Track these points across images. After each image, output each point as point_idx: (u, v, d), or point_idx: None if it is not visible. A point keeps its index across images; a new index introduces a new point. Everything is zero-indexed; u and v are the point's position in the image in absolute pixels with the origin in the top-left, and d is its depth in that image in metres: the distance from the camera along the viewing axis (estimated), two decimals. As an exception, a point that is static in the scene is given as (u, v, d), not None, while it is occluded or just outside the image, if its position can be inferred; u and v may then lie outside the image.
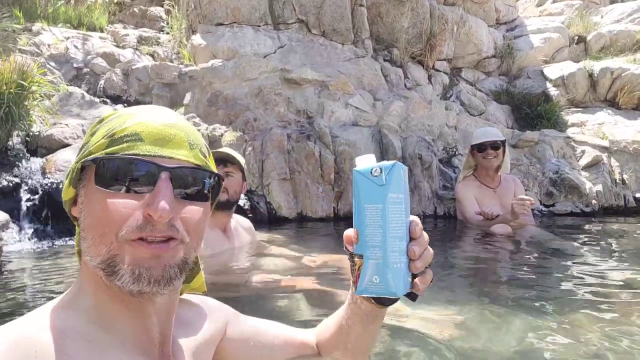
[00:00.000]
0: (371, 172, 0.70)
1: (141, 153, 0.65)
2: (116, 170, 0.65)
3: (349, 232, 0.75)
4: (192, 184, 0.69)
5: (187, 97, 4.74)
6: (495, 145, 3.71)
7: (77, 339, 0.64)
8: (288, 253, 2.86)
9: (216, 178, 0.73)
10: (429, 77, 5.93)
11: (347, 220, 4.13)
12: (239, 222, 2.76)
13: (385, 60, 5.68)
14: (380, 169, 0.70)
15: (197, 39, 5.26)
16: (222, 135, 4.26)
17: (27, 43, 5.61)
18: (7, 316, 1.76)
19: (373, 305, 0.79)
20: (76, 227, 0.73)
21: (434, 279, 0.77)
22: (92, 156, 0.66)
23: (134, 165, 0.65)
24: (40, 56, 5.32)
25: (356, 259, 0.70)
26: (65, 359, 0.61)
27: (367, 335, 0.89)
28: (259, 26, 5.39)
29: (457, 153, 4.79)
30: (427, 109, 5.01)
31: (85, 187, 0.68)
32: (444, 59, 6.11)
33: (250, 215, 3.93)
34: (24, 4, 6.67)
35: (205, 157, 0.73)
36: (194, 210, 0.69)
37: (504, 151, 3.77)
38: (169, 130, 0.68)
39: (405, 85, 5.59)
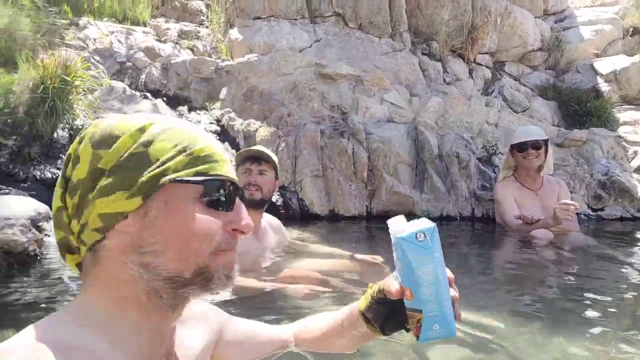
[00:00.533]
0: (416, 238, 0.77)
1: (224, 174, 0.72)
2: (213, 190, 0.70)
3: (396, 287, 0.81)
4: None
5: (223, 92, 4.77)
6: (537, 145, 3.54)
7: (87, 357, 0.64)
8: (319, 252, 2.84)
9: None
10: (470, 72, 5.72)
11: (380, 219, 4.05)
12: (269, 222, 2.75)
13: (423, 54, 5.52)
14: (424, 234, 0.77)
15: (234, 33, 5.28)
16: (256, 130, 4.27)
17: (74, 37, 5.80)
18: (46, 308, 1.82)
19: (377, 332, 0.89)
20: (85, 241, 0.69)
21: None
22: (195, 176, 0.69)
23: (226, 186, 0.72)
24: (86, 50, 5.50)
25: (414, 313, 0.78)
26: None
27: (355, 347, 0.99)
28: (295, 20, 5.35)
29: (497, 152, 4.61)
30: (466, 105, 4.83)
31: (167, 202, 0.68)
32: (486, 53, 5.88)
33: (283, 211, 3.93)
34: None
35: None
36: None
37: (546, 151, 3.59)
38: (224, 153, 0.75)
39: (444, 80, 5.41)
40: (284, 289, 2.14)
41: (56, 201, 0.72)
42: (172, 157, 0.68)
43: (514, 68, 6.13)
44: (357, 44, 5.25)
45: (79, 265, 0.74)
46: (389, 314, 0.85)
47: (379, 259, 2.52)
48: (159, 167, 0.67)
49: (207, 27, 6.73)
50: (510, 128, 4.79)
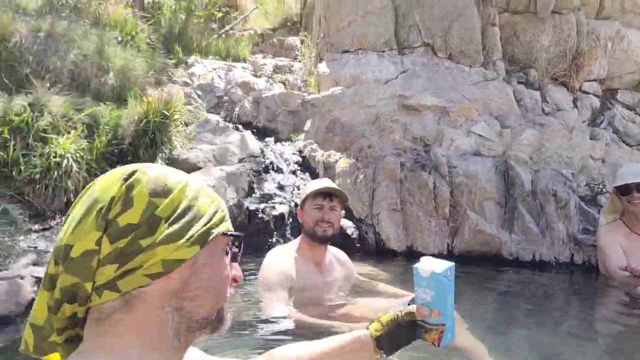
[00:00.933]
0: (448, 274, 1.03)
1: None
2: (235, 243, 0.83)
3: (427, 309, 1.02)
4: None
5: (308, 124, 4.90)
6: None
7: None
8: (386, 292, 2.71)
9: None
10: (574, 101, 5.22)
11: (462, 259, 3.77)
12: (335, 256, 2.71)
13: (519, 82, 5.17)
14: (450, 271, 1.03)
15: (322, 67, 5.43)
16: (336, 161, 4.29)
17: (182, 75, 6.41)
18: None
19: (379, 354, 1.04)
20: (122, 287, 0.70)
21: None
22: (232, 231, 0.81)
23: (241, 242, 0.84)
24: (190, 86, 6.03)
25: (438, 327, 1.02)
26: None
27: None
28: (383, 52, 5.34)
29: (604, 190, 4.10)
30: (567, 137, 4.39)
31: (212, 252, 0.77)
32: (594, 80, 5.34)
33: (358, 244, 3.86)
34: (183, 40, 7.67)
35: None
36: None
37: (657, 192, 3.10)
38: None
39: (543, 110, 5.00)
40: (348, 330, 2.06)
41: (85, 244, 0.69)
42: (213, 213, 0.78)
43: (628, 96, 5.46)
44: (446, 74, 5.08)
45: (71, 317, 0.72)
46: (402, 334, 1.04)
47: None
48: (208, 220, 0.76)
49: (299, 61, 7.03)
50: (620, 164, 4.24)
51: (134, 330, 0.71)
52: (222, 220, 0.79)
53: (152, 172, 0.75)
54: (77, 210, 0.73)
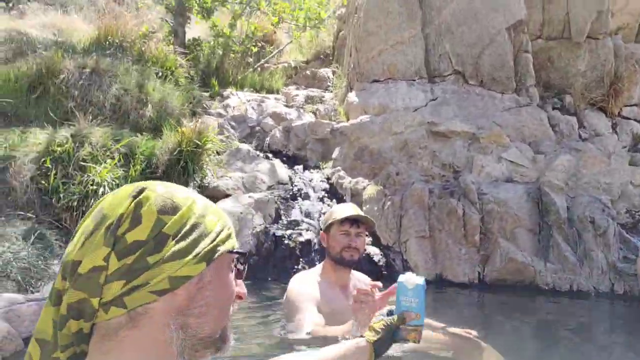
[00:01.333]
0: (425, 284, 1.29)
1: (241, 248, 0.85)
2: (240, 261, 0.83)
3: (411, 315, 1.23)
4: None
5: (336, 152, 4.94)
6: None
7: None
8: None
9: None
10: (613, 126, 5.04)
11: (494, 288, 3.64)
12: (359, 279, 2.68)
13: (554, 108, 5.05)
14: (425, 282, 1.30)
15: (351, 96, 5.51)
16: (364, 188, 4.28)
17: (217, 106, 6.65)
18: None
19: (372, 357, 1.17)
20: (128, 303, 0.70)
21: None
22: (237, 248, 0.83)
23: (246, 259, 0.85)
24: (224, 117, 6.24)
25: (417, 327, 1.22)
26: None
27: None
28: (413, 80, 5.37)
29: (646, 218, 3.88)
30: (605, 163, 4.22)
31: (217, 269, 0.77)
32: (635, 104, 5.15)
33: (385, 272, 3.80)
34: (220, 74, 7.98)
35: None
36: None
37: None
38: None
39: (580, 136, 4.84)
40: None
41: (93, 260, 0.69)
42: (220, 231, 0.78)
43: (672, 120, 5.23)
44: (476, 101, 5.03)
45: (76, 333, 0.72)
46: (389, 338, 1.20)
47: (472, 333, 2.25)
48: (215, 238, 0.77)
49: (331, 92, 7.15)
50: (664, 190, 4.03)
51: (139, 348, 0.71)
52: (228, 237, 0.79)
53: (160, 190, 0.76)
54: (85, 226, 0.73)
